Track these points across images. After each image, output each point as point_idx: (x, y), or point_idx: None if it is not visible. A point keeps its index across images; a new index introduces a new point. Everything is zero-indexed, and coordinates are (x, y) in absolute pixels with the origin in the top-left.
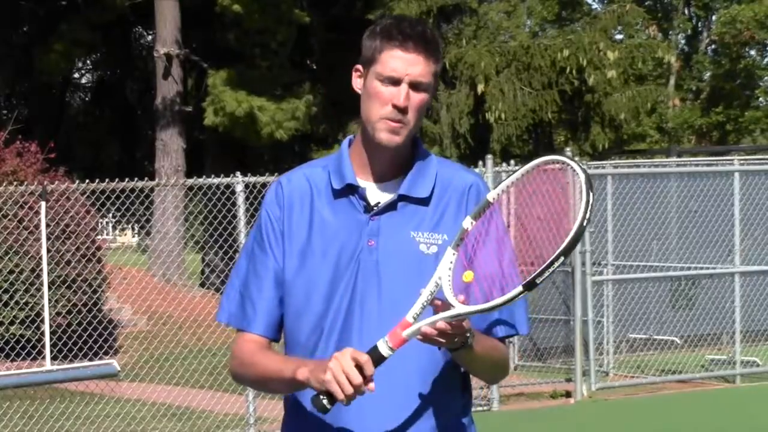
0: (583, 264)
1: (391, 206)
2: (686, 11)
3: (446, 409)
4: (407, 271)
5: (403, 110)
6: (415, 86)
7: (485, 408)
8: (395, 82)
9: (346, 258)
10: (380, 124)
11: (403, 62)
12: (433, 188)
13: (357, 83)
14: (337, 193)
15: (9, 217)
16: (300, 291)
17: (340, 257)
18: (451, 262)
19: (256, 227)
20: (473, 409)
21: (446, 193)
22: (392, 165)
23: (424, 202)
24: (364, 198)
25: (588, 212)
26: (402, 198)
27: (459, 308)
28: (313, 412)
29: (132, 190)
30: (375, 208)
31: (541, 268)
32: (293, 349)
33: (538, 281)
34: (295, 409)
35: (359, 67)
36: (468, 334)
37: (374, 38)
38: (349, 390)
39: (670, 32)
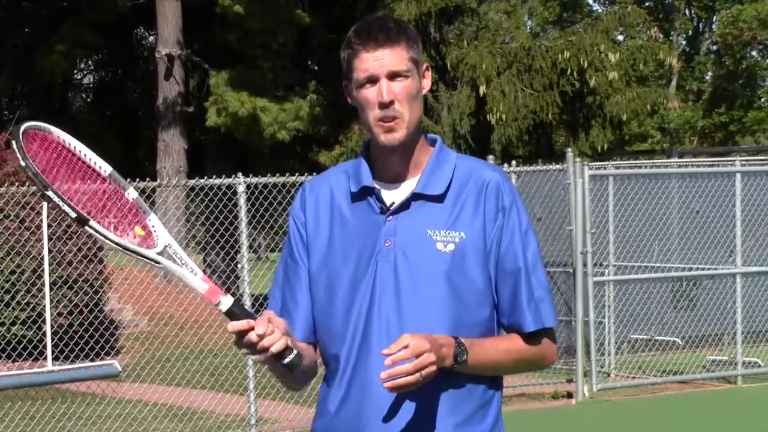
0: (585, 265)
1: (405, 205)
2: (687, 12)
3: (469, 399)
4: (423, 270)
5: (389, 104)
6: (393, 76)
7: None
8: (373, 81)
9: (366, 260)
10: (376, 128)
11: (372, 61)
12: (450, 185)
13: (349, 98)
14: (356, 196)
15: (11, 217)
16: (321, 288)
17: (360, 259)
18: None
19: (287, 237)
20: None
21: (465, 189)
22: (408, 165)
23: (440, 199)
24: (380, 199)
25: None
26: (416, 196)
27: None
28: (337, 413)
29: None
30: (390, 208)
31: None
32: (328, 346)
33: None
34: (322, 410)
35: (345, 82)
36: (457, 350)
37: (343, 52)
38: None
39: (672, 33)
